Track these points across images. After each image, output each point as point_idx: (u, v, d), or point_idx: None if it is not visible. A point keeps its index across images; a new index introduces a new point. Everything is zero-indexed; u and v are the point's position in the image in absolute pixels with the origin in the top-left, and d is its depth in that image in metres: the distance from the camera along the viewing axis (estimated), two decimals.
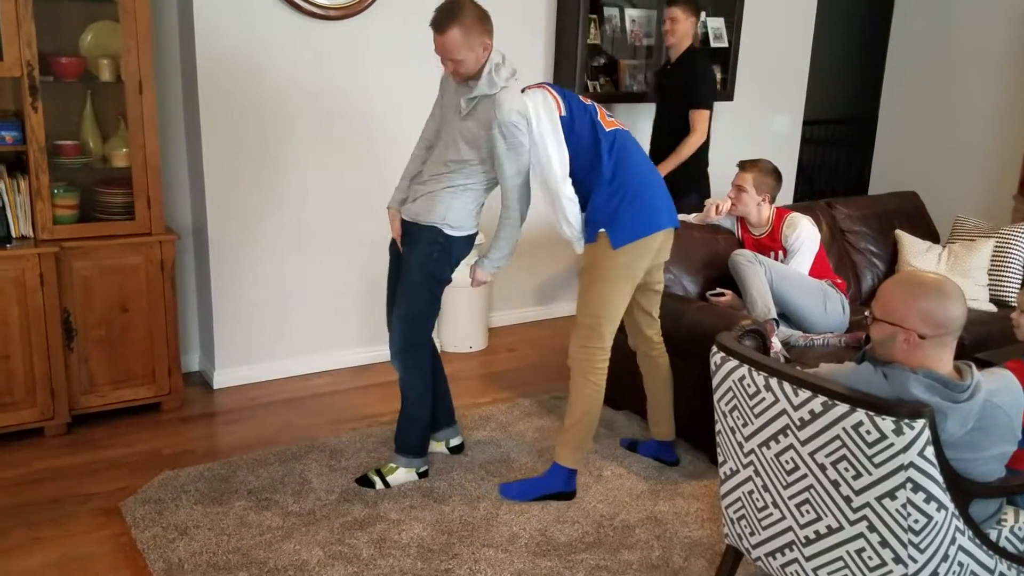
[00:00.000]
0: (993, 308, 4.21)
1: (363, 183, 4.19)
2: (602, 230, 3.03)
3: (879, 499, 2.00)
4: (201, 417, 3.81)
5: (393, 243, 3.27)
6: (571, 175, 3.03)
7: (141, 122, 3.47)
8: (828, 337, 3.68)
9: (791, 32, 5.63)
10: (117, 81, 3.49)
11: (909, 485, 1.95)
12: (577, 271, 4.94)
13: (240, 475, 3.28)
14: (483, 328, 4.74)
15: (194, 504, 3.08)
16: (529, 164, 3.00)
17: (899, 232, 4.57)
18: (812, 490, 2.15)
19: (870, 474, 1.99)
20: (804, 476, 2.15)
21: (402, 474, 3.27)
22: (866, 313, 2.36)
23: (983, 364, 2.37)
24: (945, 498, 1.98)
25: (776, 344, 3.43)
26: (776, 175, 3.86)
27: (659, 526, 3.07)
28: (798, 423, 2.10)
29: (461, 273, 3.38)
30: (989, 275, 4.31)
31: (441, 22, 2.87)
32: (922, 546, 2.01)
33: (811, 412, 2.07)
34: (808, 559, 2.23)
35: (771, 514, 2.30)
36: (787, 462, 2.18)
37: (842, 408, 2.00)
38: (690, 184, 4.36)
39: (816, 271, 3.82)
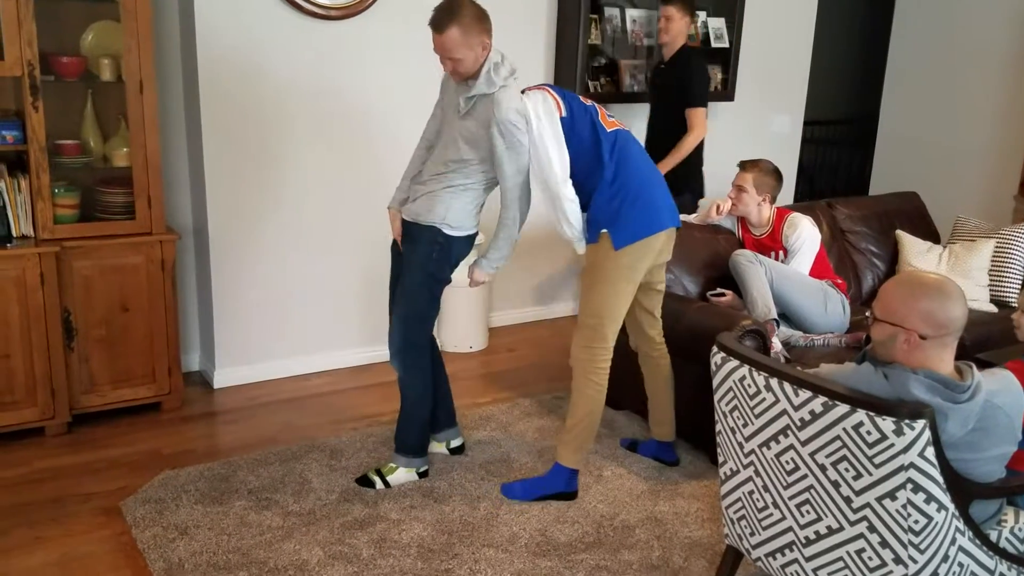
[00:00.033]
0: (994, 308, 4.21)
1: (363, 183, 4.19)
2: (604, 231, 3.03)
3: (879, 499, 2.00)
4: (201, 417, 3.81)
5: (395, 243, 3.27)
6: (572, 176, 3.02)
7: (142, 122, 3.47)
8: (828, 337, 3.68)
9: (792, 32, 5.63)
10: (118, 81, 3.49)
11: (909, 486, 1.95)
12: (578, 271, 4.95)
13: (240, 475, 3.28)
14: (483, 328, 4.74)
15: (194, 504, 3.08)
16: (528, 164, 3.00)
17: (900, 232, 4.57)
18: (812, 490, 2.15)
19: (870, 474, 1.99)
20: (804, 476, 2.15)
21: (402, 474, 3.27)
22: (867, 314, 2.36)
23: (984, 364, 2.37)
24: (945, 499, 1.98)
25: (776, 344, 3.43)
26: (777, 175, 3.87)
27: (659, 526, 3.07)
28: (798, 423, 2.10)
29: (461, 273, 3.38)
30: (989, 275, 4.31)
31: (440, 21, 2.87)
32: (922, 546, 2.01)
33: (811, 412, 2.07)
34: (808, 559, 2.23)
35: (771, 514, 2.30)
36: (787, 462, 2.18)
37: (842, 408, 2.00)
38: (684, 183, 4.36)
39: (816, 271, 3.82)
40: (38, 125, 3.30)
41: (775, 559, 2.34)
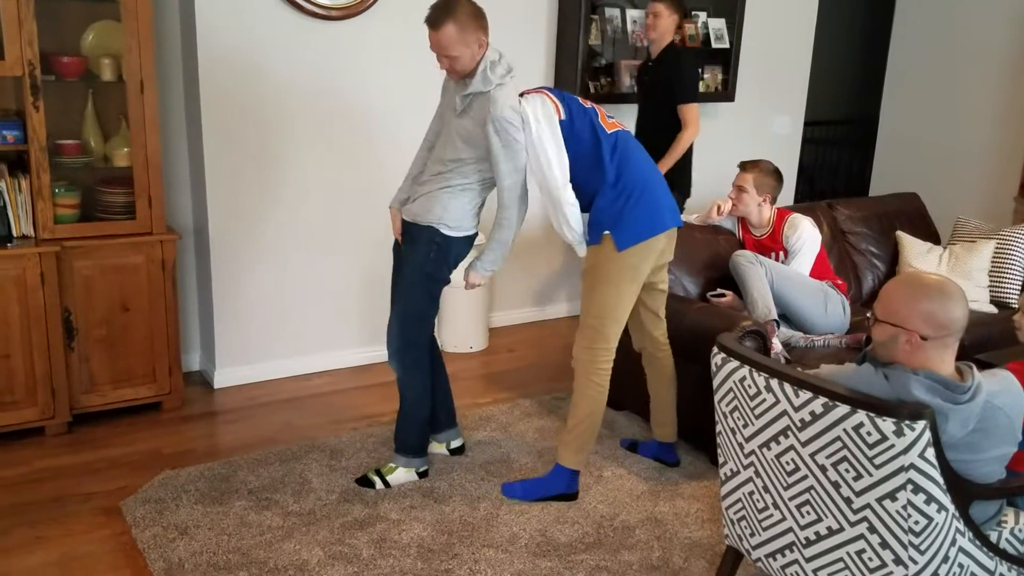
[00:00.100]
0: (994, 309, 4.21)
1: (363, 183, 4.19)
2: (606, 232, 3.03)
3: (879, 500, 2.00)
4: (201, 417, 3.81)
5: (396, 243, 3.27)
6: (573, 178, 3.02)
7: (142, 121, 3.47)
8: (829, 338, 3.68)
9: (792, 33, 5.63)
10: (118, 80, 3.49)
11: (910, 486, 1.95)
12: (579, 271, 4.94)
13: (240, 475, 3.28)
14: (483, 328, 4.74)
15: (194, 504, 3.08)
16: (525, 163, 2.99)
17: (900, 233, 4.57)
18: (813, 491, 2.15)
19: (871, 475, 2.00)
20: (805, 477, 2.15)
21: (402, 474, 3.27)
22: (868, 315, 2.36)
23: (984, 365, 2.37)
24: (945, 499, 1.98)
25: (777, 345, 3.43)
26: (777, 176, 3.87)
27: (659, 527, 3.07)
28: (799, 424, 2.10)
29: (461, 274, 3.38)
30: (990, 276, 4.31)
31: (436, 18, 2.86)
32: (922, 547, 2.01)
33: (812, 413, 2.07)
34: (808, 560, 2.23)
35: (771, 515, 2.30)
36: (788, 463, 2.18)
37: (843, 409, 2.00)
38: (672, 182, 4.32)
39: (817, 272, 3.82)
40: (39, 125, 3.30)
41: (775, 560, 2.34)
